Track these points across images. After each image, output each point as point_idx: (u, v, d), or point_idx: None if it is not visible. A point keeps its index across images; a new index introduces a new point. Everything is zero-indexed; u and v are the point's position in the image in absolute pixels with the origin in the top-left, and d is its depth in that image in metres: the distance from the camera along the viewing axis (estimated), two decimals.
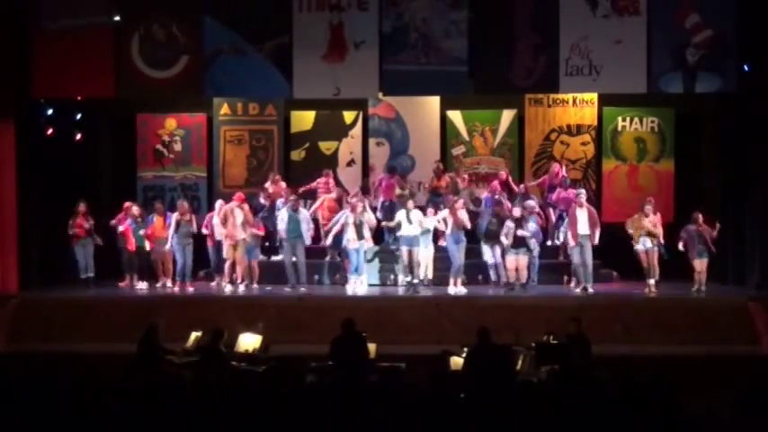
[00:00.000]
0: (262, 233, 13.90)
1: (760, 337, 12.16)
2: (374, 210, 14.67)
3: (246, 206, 13.85)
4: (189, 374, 8.96)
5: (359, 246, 13.49)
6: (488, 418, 6.32)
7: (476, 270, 13.87)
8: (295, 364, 8.44)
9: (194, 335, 10.12)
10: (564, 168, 15.00)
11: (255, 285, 13.81)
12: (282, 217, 13.68)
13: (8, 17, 13.68)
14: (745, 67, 13.50)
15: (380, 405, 6.49)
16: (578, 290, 13.29)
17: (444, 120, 15.85)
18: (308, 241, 13.69)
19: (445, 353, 9.24)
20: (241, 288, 13.65)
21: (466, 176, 15.13)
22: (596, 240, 13.32)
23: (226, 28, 13.73)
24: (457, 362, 9.04)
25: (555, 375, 8.25)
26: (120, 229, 13.98)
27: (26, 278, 13.94)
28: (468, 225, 13.47)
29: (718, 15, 13.34)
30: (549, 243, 14.65)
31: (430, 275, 13.57)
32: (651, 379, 6.93)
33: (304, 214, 13.76)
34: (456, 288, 13.35)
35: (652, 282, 13.22)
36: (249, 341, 9.84)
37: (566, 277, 13.87)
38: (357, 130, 16.00)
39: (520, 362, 9.04)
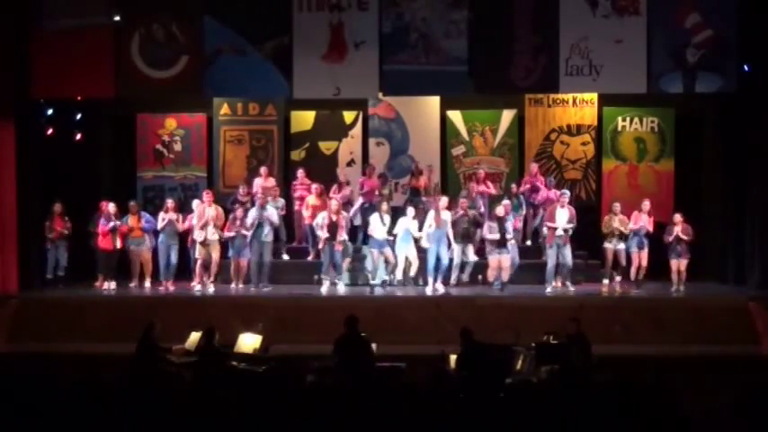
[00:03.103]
0: (249, 232, 13.65)
1: (760, 337, 12.17)
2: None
3: (219, 208, 13.87)
4: (189, 374, 8.96)
5: (331, 245, 13.43)
6: (487, 419, 6.32)
7: (476, 270, 13.85)
8: (295, 364, 8.45)
9: (194, 335, 10.11)
10: (538, 169, 15.00)
11: (241, 285, 13.75)
12: (252, 216, 13.59)
13: (8, 17, 13.68)
14: (745, 67, 13.51)
15: (380, 405, 6.48)
16: (548, 290, 13.31)
17: (444, 120, 15.85)
18: (267, 238, 13.59)
19: (444, 353, 9.24)
20: (211, 288, 13.62)
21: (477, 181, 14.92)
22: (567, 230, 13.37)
23: (226, 28, 13.73)
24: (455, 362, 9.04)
25: (555, 375, 8.24)
26: (95, 228, 13.91)
27: (26, 278, 13.93)
28: (448, 223, 13.41)
29: (718, 15, 13.36)
30: (528, 243, 14.70)
31: (412, 274, 13.61)
32: (651, 379, 6.93)
33: (270, 211, 13.68)
34: (434, 286, 13.32)
35: (618, 279, 13.57)
36: (249, 341, 9.82)
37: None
38: (357, 130, 16.00)
39: (519, 362, 9.03)
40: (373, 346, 9.44)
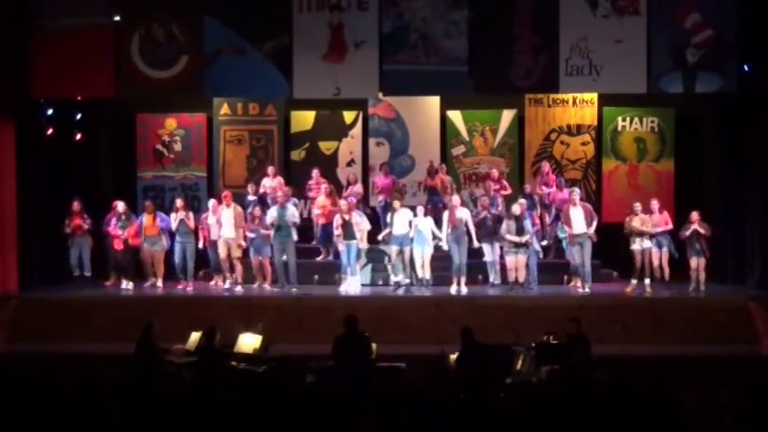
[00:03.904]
0: (269, 232, 13.60)
1: (760, 337, 12.16)
2: (373, 210, 14.78)
3: (239, 207, 13.86)
4: (189, 374, 8.96)
5: (346, 245, 13.45)
6: (487, 419, 6.32)
7: (476, 270, 13.85)
8: (295, 364, 8.45)
9: (194, 335, 10.11)
10: (550, 168, 15.01)
11: (267, 286, 13.71)
12: (273, 216, 13.57)
13: (8, 17, 13.68)
14: (745, 67, 13.50)
15: (380, 405, 6.49)
16: (581, 289, 13.27)
17: (444, 120, 15.85)
18: (294, 236, 13.61)
19: (444, 353, 9.24)
20: (239, 288, 13.63)
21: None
22: (593, 235, 13.30)
23: (226, 28, 13.72)
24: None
25: (555, 375, 8.25)
26: (107, 228, 13.93)
27: (26, 278, 13.92)
28: (470, 224, 13.43)
29: (718, 15, 13.35)
30: (543, 243, 14.63)
31: (428, 276, 13.57)
32: (651, 379, 6.94)
33: (291, 210, 13.68)
34: (458, 287, 13.33)
35: (647, 281, 13.35)
36: (249, 341, 9.83)
37: (565, 277, 13.86)
38: (357, 130, 16.00)
39: (520, 362, 9.04)
40: (373, 346, 9.44)
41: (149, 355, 9.34)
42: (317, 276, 14.12)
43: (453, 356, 9.11)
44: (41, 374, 6.90)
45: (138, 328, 9.70)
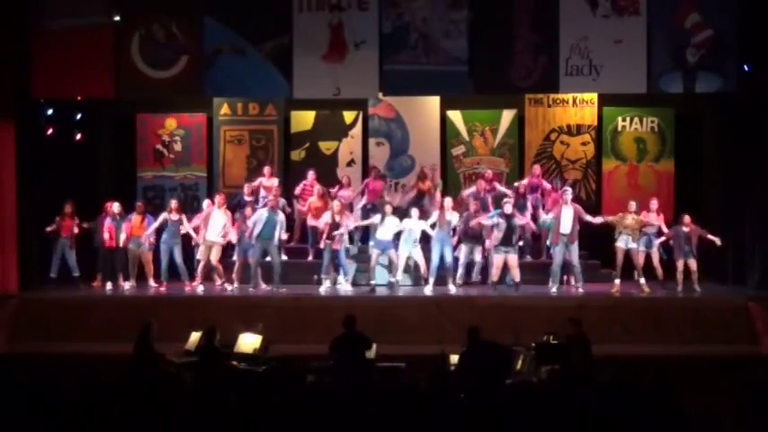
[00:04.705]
0: (253, 230, 13.47)
1: (760, 337, 12.17)
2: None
3: (228, 212, 13.84)
4: (189, 374, 8.96)
5: (326, 246, 13.40)
6: (487, 419, 6.32)
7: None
8: (295, 364, 8.44)
9: (194, 335, 10.11)
10: (541, 171, 14.96)
11: (263, 286, 13.70)
12: (260, 216, 13.48)
13: (8, 17, 13.68)
14: (745, 67, 13.51)
15: (380, 405, 6.48)
16: (554, 290, 13.24)
17: (444, 120, 15.85)
18: (276, 241, 13.56)
19: (444, 353, 9.24)
20: (231, 287, 13.61)
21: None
22: (594, 220, 13.37)
23: (226, 28, 13.74)
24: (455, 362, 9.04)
25: (555, 375, 8.25)
26: (101, 228, 13.91)
27: (26, 278, 13.92)
28: (452, 224, 13.40)
29: (718, 15, 13.36)
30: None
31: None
32: (651, 379, 6.94)
33: (281, 217, 13.63)
34: (452, 287, 13.33)
35: (642, 281, 13.30)
36: (249, 341, 9.83)
37: (565, 277, 13.85)
38: (357, 130, 16.00)
39: (519, 362, 9.04)
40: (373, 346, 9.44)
41: (148, 355, 9.34)
42: (316, 276, 14.11)
43: (453, 356, 9.10)
44: (41, 374, 6.89)
45: (138, 328, 9.70)
